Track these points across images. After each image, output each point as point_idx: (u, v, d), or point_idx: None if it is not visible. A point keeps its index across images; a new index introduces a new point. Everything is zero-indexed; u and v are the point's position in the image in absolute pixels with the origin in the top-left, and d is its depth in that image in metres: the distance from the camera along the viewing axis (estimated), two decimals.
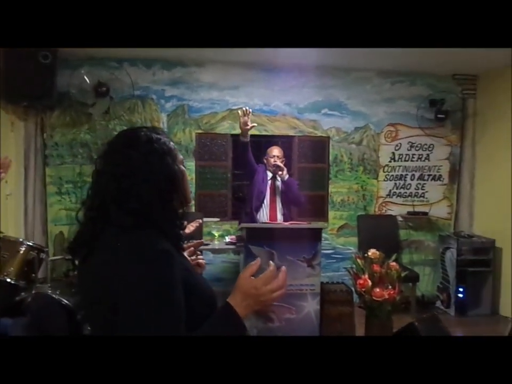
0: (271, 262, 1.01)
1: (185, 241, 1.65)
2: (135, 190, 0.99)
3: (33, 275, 3.10)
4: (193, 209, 4.63)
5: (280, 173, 3.61)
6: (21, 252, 3.06)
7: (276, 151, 3.73)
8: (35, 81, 3.90)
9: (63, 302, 2.59)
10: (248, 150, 3.51)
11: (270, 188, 3.67)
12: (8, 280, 2.95)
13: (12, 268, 2.99)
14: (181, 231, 1.09)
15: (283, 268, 1.02)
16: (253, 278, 0.99)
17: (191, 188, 4.64)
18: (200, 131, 4.70)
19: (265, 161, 3.77)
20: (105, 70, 4.36)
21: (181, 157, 1.13)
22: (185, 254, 1.34)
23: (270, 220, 3.58)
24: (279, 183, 3.67)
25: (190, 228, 2.28)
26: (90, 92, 4.25)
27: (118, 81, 4.34)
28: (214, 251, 4.40)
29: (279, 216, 3.63)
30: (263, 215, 3.63)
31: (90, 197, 1.05)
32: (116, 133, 1.14)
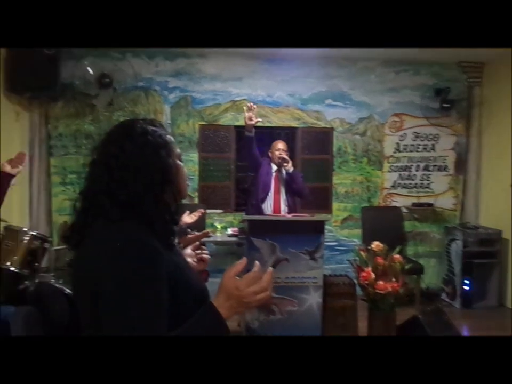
0: (256, 262, 0.99)
1: (190, 231, 1.64)
2: (125, 182, 0.99)
3: (37, 264, 3.12)
4: (196, 201, 4.63)
5: (285, 165, 3.65)
6: (25, 241, 3.08)
7: (280, 145, 3.78)
8: (39, 72, 3.91)
9: (65, 291, 2.61)
10: (253, 144, 3.58)
11: (275, 180, 3.71)
12: (12, 268, 2.96)
13: (16, 257, 3.01)
14: (174, 226, 1.07)
15: (270, 269, 0.99)
16: (237, 278, 0.97)
17: (195, 180, 4.64)
18: (203, 122, 4.69)
19: (270, 154, 3.81)
20: (109, 61, 4.36)
21: (178, 151, 1.11)
22: (189, 248, 1.33)
23: (274, 211, 3.60)
24: (283, 175, 3.70)
25: (192, 217, 2.28)
26: (94, 83, 4.25)
27: (121, 72, 4.34)
28: (217, 243, 4.41)
29: (283, 207, 3.67)
30: (268, 207, 3.67)
31: (85, 187, 1.05)
32: None
